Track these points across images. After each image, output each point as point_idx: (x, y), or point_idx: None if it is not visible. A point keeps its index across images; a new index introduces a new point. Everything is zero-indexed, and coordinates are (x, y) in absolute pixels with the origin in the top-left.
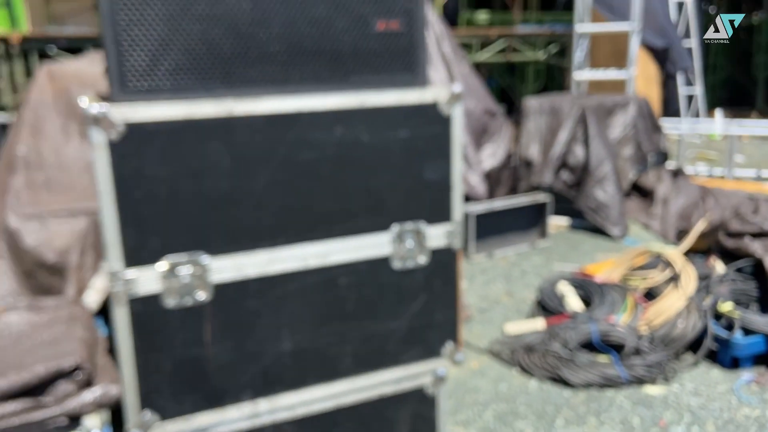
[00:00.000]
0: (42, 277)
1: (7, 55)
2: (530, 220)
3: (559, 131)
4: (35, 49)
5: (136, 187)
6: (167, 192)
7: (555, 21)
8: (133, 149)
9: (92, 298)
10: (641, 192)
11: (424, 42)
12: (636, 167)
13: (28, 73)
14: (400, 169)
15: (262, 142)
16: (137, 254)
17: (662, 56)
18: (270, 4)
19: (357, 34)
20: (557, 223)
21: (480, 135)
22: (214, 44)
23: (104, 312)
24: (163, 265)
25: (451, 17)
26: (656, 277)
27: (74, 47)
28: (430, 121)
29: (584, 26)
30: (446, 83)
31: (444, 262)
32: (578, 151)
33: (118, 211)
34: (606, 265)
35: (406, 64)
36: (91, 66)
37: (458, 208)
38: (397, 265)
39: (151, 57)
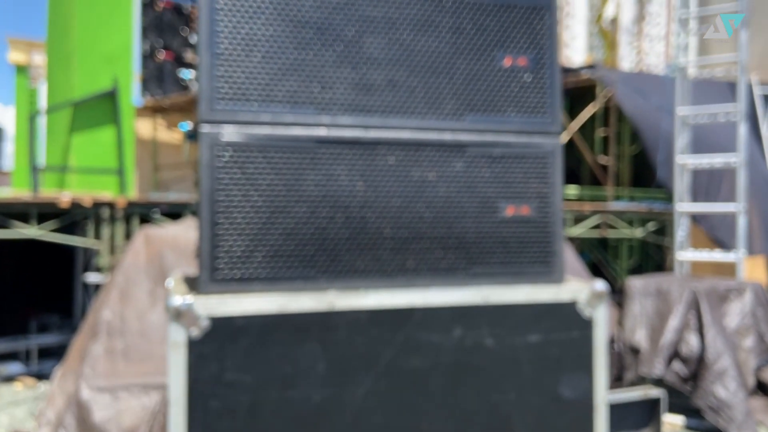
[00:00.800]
0: None
1: (111, 219)
2: (641, 417)
3: (669, 317)
4: (138, 213)
5: (212, 396)
6: (248, 404)
7: (649, 198)
8: (216, 349)
9: None
10: (766, 390)
11: (560, 231)
12: (759, 361)
13: (128, 235)
14: (529, 382)
15: (365, 343)
16: None
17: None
18: (386, 184)
19: (482, 220)
20: (671, 421)
21: None
22: (319, 228)
23: None
24: None
25: None
26: None
27: (174, 212)
28: (568, 324)
29: (684, 205)
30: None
31: None
32: (692, 341)
33: (188, 428)
34: None
35: (538, 255)
36: (186, 231)
37: None
38: None
39: (248, 243)
